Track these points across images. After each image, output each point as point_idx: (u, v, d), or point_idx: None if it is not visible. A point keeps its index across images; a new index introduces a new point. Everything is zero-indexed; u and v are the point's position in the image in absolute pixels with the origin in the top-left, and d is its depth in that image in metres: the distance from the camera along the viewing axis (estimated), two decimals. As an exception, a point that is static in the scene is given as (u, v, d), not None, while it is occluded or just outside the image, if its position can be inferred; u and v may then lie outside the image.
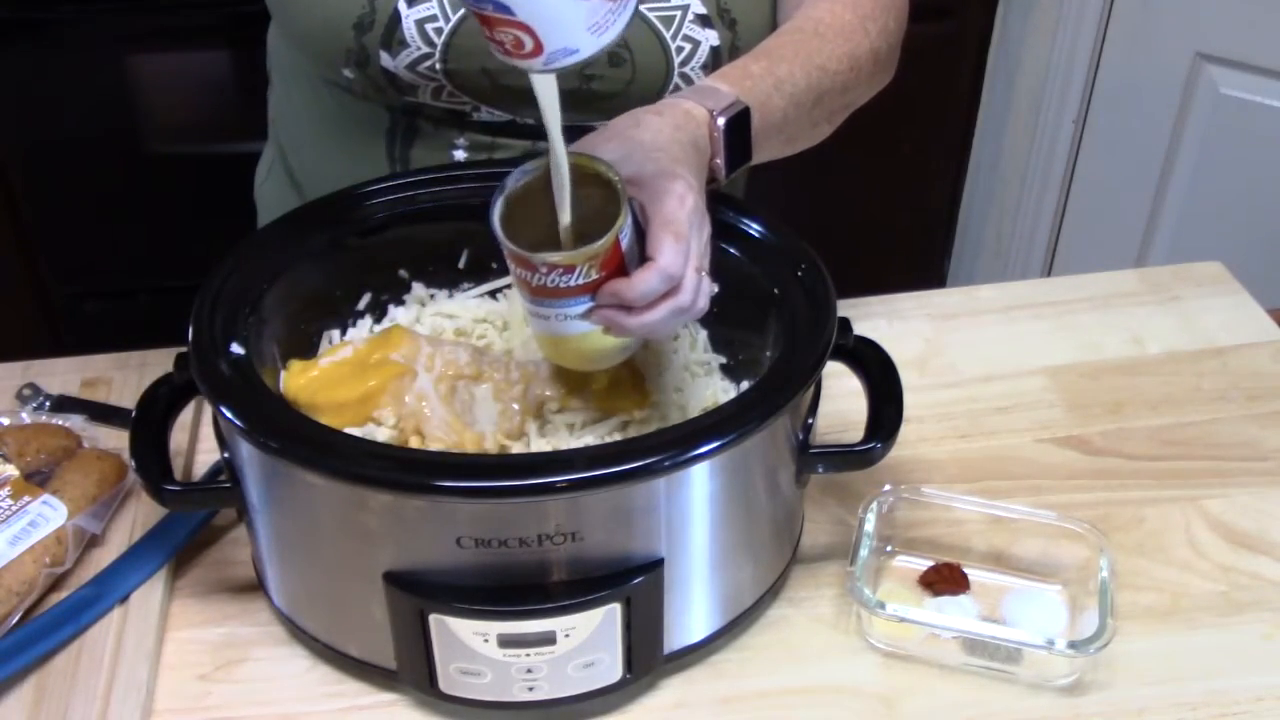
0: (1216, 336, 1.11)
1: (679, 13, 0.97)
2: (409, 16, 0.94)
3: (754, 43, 0.93)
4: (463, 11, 0.94)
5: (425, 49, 0.95)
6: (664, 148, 0.79)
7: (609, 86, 0.96)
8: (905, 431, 0.82)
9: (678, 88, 0.97)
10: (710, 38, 0.97)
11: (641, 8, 0.96)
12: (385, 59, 0.96)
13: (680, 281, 0.75)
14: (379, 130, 1.03)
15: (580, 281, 0.74)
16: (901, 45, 1.01)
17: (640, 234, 0.76)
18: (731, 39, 0.98)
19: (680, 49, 0.97)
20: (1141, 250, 2.07)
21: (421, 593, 0.74)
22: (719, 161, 0.84)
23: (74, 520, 0.87)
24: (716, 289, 0.79)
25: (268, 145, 1.22)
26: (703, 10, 0.97)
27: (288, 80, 1.12)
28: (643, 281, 0.74)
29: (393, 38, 0.95)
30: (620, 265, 0.74)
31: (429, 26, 0.95)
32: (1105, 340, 1.11)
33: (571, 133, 0.76)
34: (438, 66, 0.96)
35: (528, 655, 0.76)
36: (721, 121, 0.83)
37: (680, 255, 0.74)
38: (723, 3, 0.98)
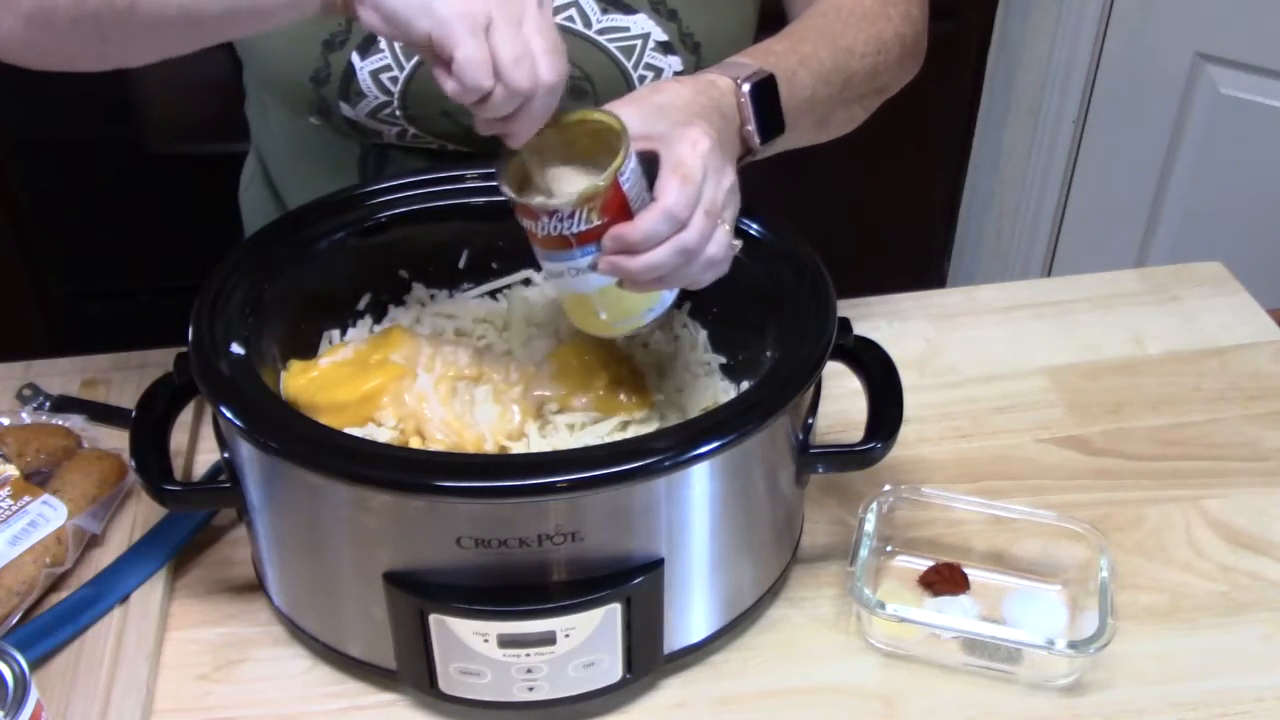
0: (1216, 336, 1.11)
1: (639, 41, 0.96)
2: (363, 69, 0.94)
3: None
4: (416, 59, 0.94)
5: (383, 98, 0.95)
6: (682, 107, 0.77)
7: None
8: (905, 431, 0.82)
9: None
10: (673, 64, 0.96)
11: (601, 38, 0.96)
12: (345, 109, 0.97)
13: (686, 222, 0.73)
14: (352, 157, 1.03)
15: (582, 228, 0.73)
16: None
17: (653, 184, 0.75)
18: (696, 63, 0.96)
19: (643, 78, 0.96)
20: (1141, 250, 2.07)
21: (421, 593, 0.74)
22: (750, 128, 0.83)
23: (74, 520, 0.87)
24: (740, 245, 0.77)
25: (250, 153, 1.22)
26: (664, 37, 0.96)
27: (265, 106, 1.11)
28: (646, 221, 0.72)
29: (350, 89, 0.95)
30: (624, 211, 0.73)
31: (384, 76, 0.95)
32: (1105, 340, 1.11)
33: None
34: (398, 113, 0.96)
35: (528, 655, 0.76)
36: (746, 87, 0.82)
37: (686, 196, 0.73)
38: (685, 27, 0.96)
